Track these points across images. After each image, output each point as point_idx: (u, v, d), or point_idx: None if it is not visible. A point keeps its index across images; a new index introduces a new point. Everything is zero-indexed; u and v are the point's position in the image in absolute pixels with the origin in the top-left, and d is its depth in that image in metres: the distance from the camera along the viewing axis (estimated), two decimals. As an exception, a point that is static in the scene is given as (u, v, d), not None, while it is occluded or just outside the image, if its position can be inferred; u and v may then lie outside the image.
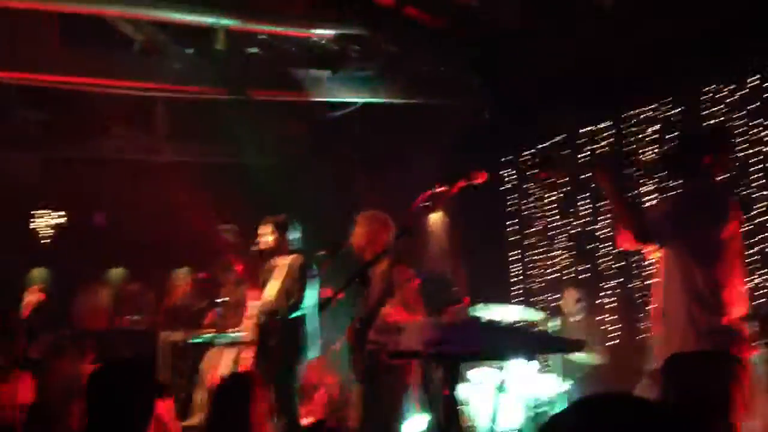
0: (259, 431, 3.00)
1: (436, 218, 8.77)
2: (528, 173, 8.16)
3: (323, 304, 4.12)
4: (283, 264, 5.89)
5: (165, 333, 6.16)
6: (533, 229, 8.14)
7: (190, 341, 5.86)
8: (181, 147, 9.19)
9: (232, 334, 5.91)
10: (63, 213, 9.99)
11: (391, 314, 4.89)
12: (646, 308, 6.38)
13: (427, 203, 4.10)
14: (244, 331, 5.93)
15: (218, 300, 6.55)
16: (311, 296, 5.72)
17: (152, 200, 8.50)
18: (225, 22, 6.41)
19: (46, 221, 9.75)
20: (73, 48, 6.66)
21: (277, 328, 5.62)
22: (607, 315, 7.04)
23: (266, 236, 5.90)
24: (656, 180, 6.31)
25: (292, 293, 5.67)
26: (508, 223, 8.43)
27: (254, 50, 7.31)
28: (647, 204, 6.34)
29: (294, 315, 5.62)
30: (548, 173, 7.28)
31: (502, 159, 8.45)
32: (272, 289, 5.86)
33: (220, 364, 6.48)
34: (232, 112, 8.12)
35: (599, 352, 6.55)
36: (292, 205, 6.32)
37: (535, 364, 6.01)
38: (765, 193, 5.43)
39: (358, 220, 5.28)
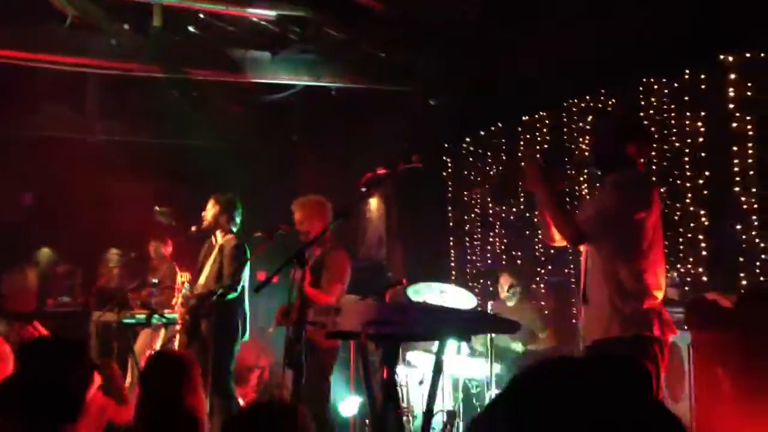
0: (192, 410, 2.94)
1: (373, 203, 8.79)
2: (470, 159, 8.27)
3: (259, 286, 4.08)
4: (219, 244, 5.85)
5: (97, 313, 6.01)
6: (471, 215, 8.24)
7: (123, 321, 5.73)
8: (113, 126, 8.96)
9: (167, 316, 5.83)
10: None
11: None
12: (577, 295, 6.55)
13: (366, 187, 4.11)
14: (176, 313, 5.85)
15: (151, 280, 6.43)
16: (245, 278, 5.71)
17: (82, 180, 8.26)
18: (162, -3, 6.26)
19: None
20: (3, 21, 6.41)
21: (210, 310, 5.57)
22: (541, 301, 7.18)
23: (209, 213, 5.86)
24: (587, 173, 6.44)
25: (227, 275, 5.65)
26: (448, 208, 8.52)
27: (192, 29, 7.17)
28: (583, 198, 6.50)
29: (229, 297, 5.57)
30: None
31: (445, 144, 8.52)
32: (207, 270, 5.83)
33: (153, 345, 6.39)
34: (168, 91, 7.96)
35: (530, 338, 6.68)
36: (230, 186, 6.24)
37: (466, 348, 6.11)
38: (693, 183, 5.59)
39: (295, 205, 5.34)
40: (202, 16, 6.98)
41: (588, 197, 6.35)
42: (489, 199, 8.01)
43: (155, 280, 6.35)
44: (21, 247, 8.70)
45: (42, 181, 8.92)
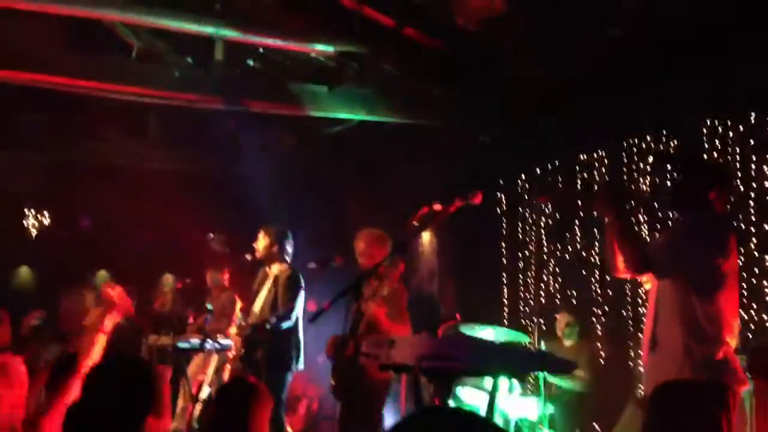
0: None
1: (426, 237, 8.77)
2: (525, 197, 8.20)
3: (314, 316, 4.08)
4: (273, 274, 5.91)
5: (152, 337, 6.09)
6: (527, 253, 8.14)
7: (178, 345, 5.80)
8: (171, 154, 9.16)
9: (221, 342, 5.88)
10: (48, 214, 9.93)
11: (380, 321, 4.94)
12: (636, 337, 6.40)
13: (420, 222, 4.10)
14: (231, 340, 5.91)
15: (206, 306, 6.50)
16: (299, 307, 5.75)
17: (140, 206, 8.45)
18: (224, 32, 6.41)
19: (32, 221, 9.68)
20: (74, 51, 6.65)
21: (264, 339, 5.61)
22: (597, 342, 7.04)
23: (260, 244, 5.91)
24: (651, 212, 6.34)
25: (282, 304, 5.71)
26: (502, 245, 8.44)
27: (252, 62, 7.32)
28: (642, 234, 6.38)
29: (284, 326, 5.61)
30: (547, 198, 7.34)
31: (500, 181, 8.48)
32: (262, 299, 5.90)
33: (205, 372, 6.43)
34: (228, 122, 8.13)
35: (587, 378, 6.54)
36: (284, 217, 6.32)
37: (518, 387, 6.01)
38: (757, 229, 5.46)
39: (358, 236, 5.38)
40: (262, 50, 7.14)
41: (658, 234, 6.25)
42: (544, 237, 7.92)
43: (210, 306, 6.41)
44: (79, 269, 8.91)
45: (101, 206, 9.15)
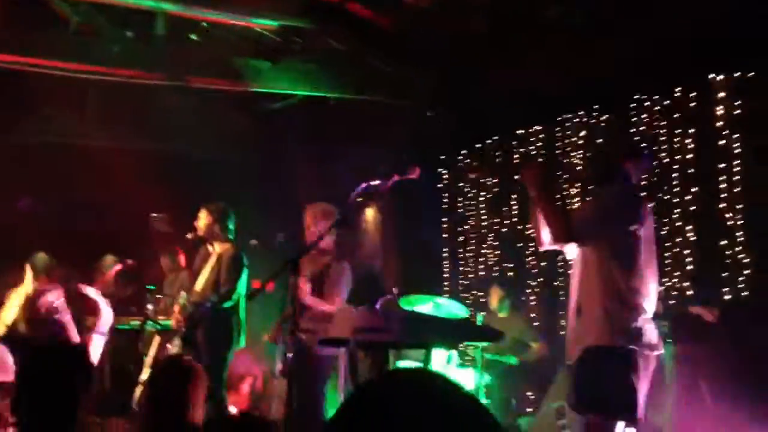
0: (193, 416, 3.00)
1: (369, 213, 8.87)
2: (462, 172, 8.37)
3: (252, 294, 4.14)
4: (217, 252, 5.90)
5: (90, 319, 6.06)
6: (465, 227, 8.32)
7: (117, 327, 5.78)
8: (113, 132, 9.02)
9: (162, 322, 5.87)
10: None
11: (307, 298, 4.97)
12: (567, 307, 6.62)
13: (362, 197, 4.18)
14: (172, 319, 5.88)
15: (147, 287, 6.47)
16: (242, 286, 5.75)
17: (80, 184, 8.32)
18: (165, 6, 6.35)
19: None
20: (10, 26, 6.50)
21: (205, 318, 5.63)
22: (531, 313, 7.26)
23: (201, 222, 5.90)
24: (581, 185, 6.55)
25: (224, 283, 5.69)
26: (443, 220, 8.60)
27: (195, 37, 7.26)
28: (572, 207, 6.59)
29: (225, 305, 5.63)
30: (477, 172, 7.52)
31: (441, 157, 8.61)
32: (204, 278, 5.87)
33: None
34: (169, 98, 8.05)
35: (522, 350, 6.76)
36: (226, 194, 6.31)
37: (455, 358, 6.18)
38: (681, 199, 5.70)
39: (307, 209, 5.39)
40: (204, 24, 7.09)
41: (580, 203, 6.47)
42: (483, 212, 8.10)
43: (151, 287, 6.38)
44: (17, 251, 8.74)
45: (40, 186, 8.97)
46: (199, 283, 5.88)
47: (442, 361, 5.92)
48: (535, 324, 7.12)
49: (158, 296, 6.38)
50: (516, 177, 7.41)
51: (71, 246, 8.11)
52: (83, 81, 7.58)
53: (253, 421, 2.42)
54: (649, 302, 3.51)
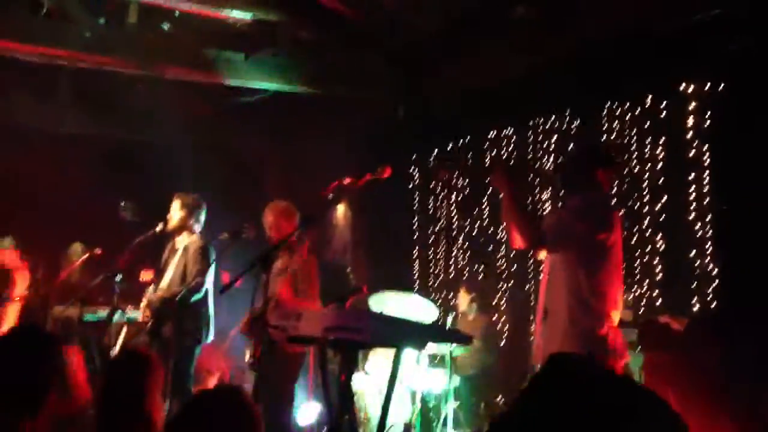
0: (151, 409, 2.96)
1: (340, 209, 8.84)
2: (432, 172, 8.38)
3: (223, 288, 4.10)
4: (183, 244, 5.84)
5: (59, 308, 5.95)
6: (435, 228, 8.33)
7: (85, 318, 5.69)
8: (82, 118, 8.88)
9: (130, 314, 5.80)
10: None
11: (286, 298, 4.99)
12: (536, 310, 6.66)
13: (333, 195, 4.16)
14: (140, 312, 5.80)
15: (115, 277, 6.37)
16: (210, 280, 5.71)
17: (49, 171, 8.18)
18: (139, -7, 6.27)
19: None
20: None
21: (173, 311, 5.56)
22: (500, 316, 7.29)
23: (176, 213, 5.83)
24: (553, 189, 6.58)
25: (191, 277, 5.63)
26: (414, 219, 8.60)
27: (167, 26, 7.17)
28: (544, 211, 6.63)
29: (193, 299, 5.57)
30: (448, 172, 7.54)
31: (413, 156, 8.60)
32: (171, 271, 5.81)
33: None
34: (140, 87, 7.94)
35: (490, 352, 6.78)
36: (197, 186, 6.24)
37: (425, 359, 6.18)
38: (650, 208, 5.76)
39: (267, 210, 5.39)
40: (177, 14, 7.00)
41: (551, 209, 6.51)
42: (454, 212, 8.11)
43: (119, 276, 6.29)
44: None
45: (5, 170, 8.80)
46: (167, 277, 5.81)
47: (412, 361, 5.92)
48: (505, 328, 7.14)
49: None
50: (487, 180, 7.48)
51: (39, 233, 7.99)
52: (55, 67, 7.46)
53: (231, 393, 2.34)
54: (616, 310, 3.54)
